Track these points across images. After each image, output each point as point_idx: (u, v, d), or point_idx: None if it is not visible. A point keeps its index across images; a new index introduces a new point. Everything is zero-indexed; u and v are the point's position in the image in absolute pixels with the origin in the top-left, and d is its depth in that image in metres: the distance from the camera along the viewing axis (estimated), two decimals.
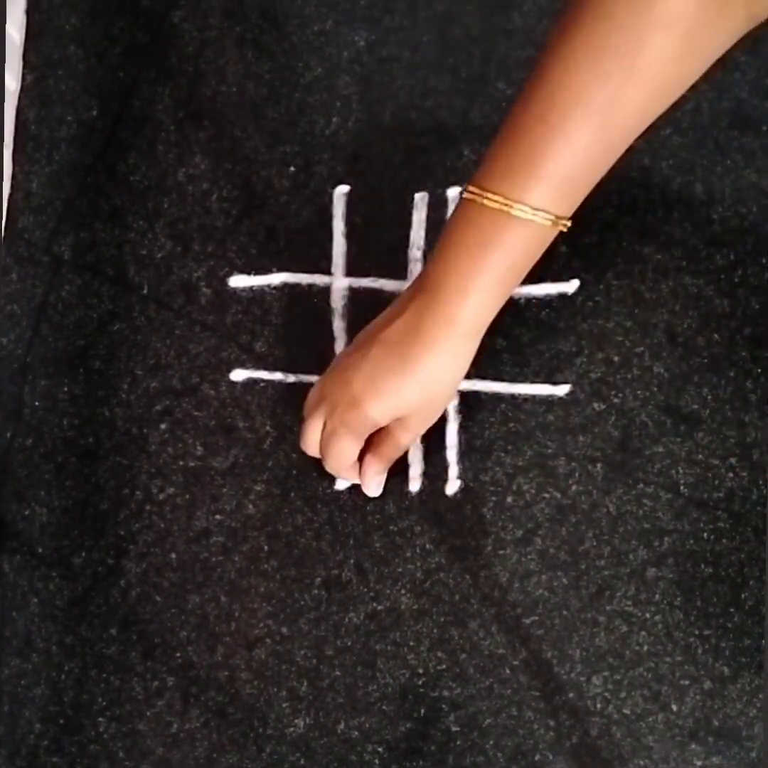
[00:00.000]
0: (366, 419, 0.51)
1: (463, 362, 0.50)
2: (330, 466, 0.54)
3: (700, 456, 0.57)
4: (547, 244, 0.47)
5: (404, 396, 0.50)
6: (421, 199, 0.60)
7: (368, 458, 0.54)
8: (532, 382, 0.59)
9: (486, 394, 0.59)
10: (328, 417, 0.52)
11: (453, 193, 0.60)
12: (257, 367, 0.60)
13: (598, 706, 0.56)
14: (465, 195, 0.47)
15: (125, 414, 0.60)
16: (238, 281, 0.60)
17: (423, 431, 0.54)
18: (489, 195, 0.45)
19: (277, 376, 0.59)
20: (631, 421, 0.58)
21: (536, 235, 0.46)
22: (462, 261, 0.47)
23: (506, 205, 0.45)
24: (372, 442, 0.54)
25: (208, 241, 0.61)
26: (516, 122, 0.45)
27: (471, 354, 0.50)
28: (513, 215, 0.45)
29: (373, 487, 0.56)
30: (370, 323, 0.52)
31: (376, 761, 0.56)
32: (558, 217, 0.46)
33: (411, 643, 0.57)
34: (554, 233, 0.47)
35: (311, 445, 0.54)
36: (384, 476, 0.56)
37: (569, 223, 0.46)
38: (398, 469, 0.58)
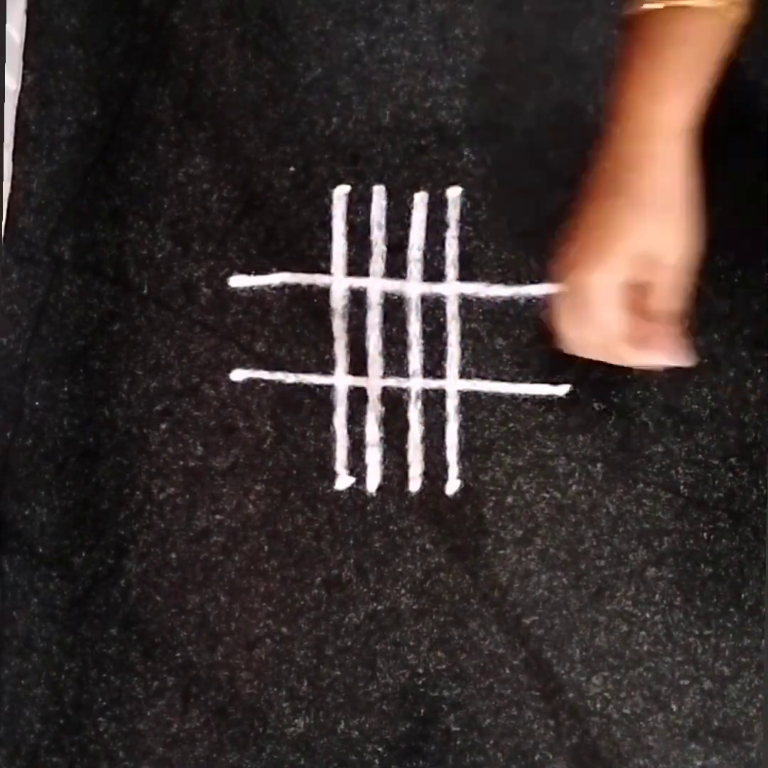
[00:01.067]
0: (618, 277, 0.45)
1: (678, 167, 0.46)
2: (605, 342, 0.48)
3: (700, 456, 0.57)
4: (724, 34, 0.45)
5: (647, 231, 0.45)
6: (421, 199, 0.60)
7: (646, 325, 0.47)
8: (532, 382, 0.59)
9: (486, 394, 0.59)
10: (572, 290, 0.47)
11: (453, 193, 0.60)
12: (257, 367, 0.60)
13: (598, 706, 0.56)
14: (646, 5, 0.45)
15: (125, 414, 0.60)
16: (238, 281, 0.60)
17: (683, 267, 0.47)
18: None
19: (277, 376, 0.59)
20: (631, 421, 0.58)
21: (715, 23, 0.45)
22: (643, 68, 0.46)
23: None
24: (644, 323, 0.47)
25: (208, 241, 0.61)
26: None
27: (681, 158, 0.46)
28: (689, 6, 0.44)
29: (669, 350, 0.47)
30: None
31: (376, 761, 0.56)
32: (731, 3, 0.44)
33: (411, 643, 0.57)
34: (732, 18, 0.45)
35: (578, 341, 0.49)
36: (675, 339, 0.47)
37: (745, 9, 0.45)
38: (398, 469, 0.58)
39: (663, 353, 0.47)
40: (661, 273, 0.46)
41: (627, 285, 0.46)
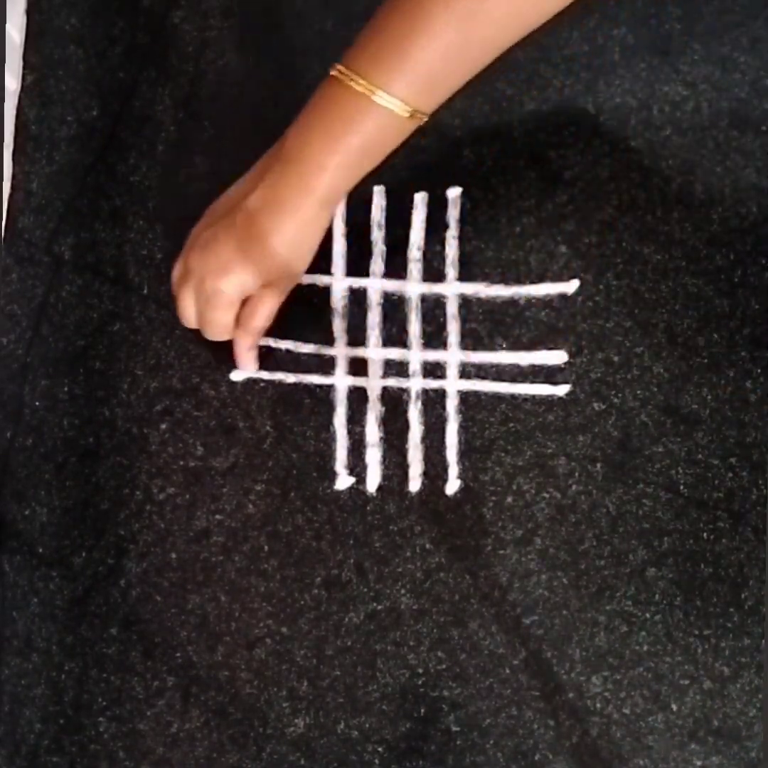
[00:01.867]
0: (237, 284, 0.53)
1: (319, 230, 0.53)
2: (210, 335, 0.56)
3: (700, 456, 0.57)
4: (405, 136, 0.51)
5: (270, 262, 0.52)
6: (421, 199, 0.60)
7: (237, 334, 0.56)
8: (532, 382, 0.59)
9: (486, 394, 0.59)
10: (197, 289, 0.54)
11: (453, 193, 0.60)
12: (257, 367, 0.60)
13: (598, 706, 0.56)
14: (333, 72, 0.50)
15: (125, 414, 0.60)
16: None
17: (280, 298, 0.55)
18: (355, 78, 0.48)
19: (277, 376, 0.59)
20: (631, 421, 0.58)
21: (394, 124, 0.50)
22: (322, 138, 0.50)
23: (370, 90, 0.48)
24: (238, 320, 0.55)
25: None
26: (387, 13, 0.49)
27: (326, 222, 0.53)
28: (374, 101, 0.48)
29: (247, 363, 0.58)
30: (224, 194, 0.55)
31: (376, 761, 0.56)
32: (416, 111, 0.49)
33: (411, 643, 0.57)
34: (412, 126, 0.50)
35: (188, 317, 0.56)
36: (256, 351, 0.58)
37: (426, 119, 0.50)
38: (398, 469, 0.58)
39: (243, 362, 0.58)
40: (266, 298, 0.54)
41: (244, 295, 0.54)
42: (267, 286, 0.54)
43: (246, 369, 0.58)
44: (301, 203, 0.51)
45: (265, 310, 0.55)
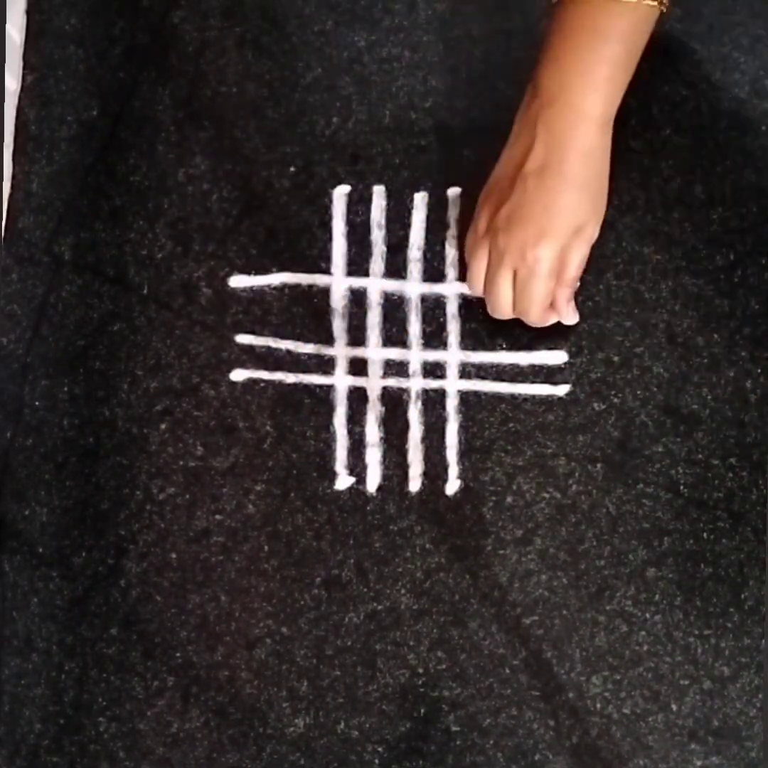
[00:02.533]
0: (555, 247, 0.52)
1: (605, 153, 0.52)
2: (529, 310, 0.54)
3: (700, 456, 0.57)
4: (652, 27, 0.50)
5: (581, 209, 0.52)
6: (421, 199, 0.60)
7: (557, 290, 0.54)
8: (532, 382, 0.59)
9: (486, 394, 0.59)
10: (518, 265, 0.53)
11: (453, 193, 0.60)
12: (257, 367, 0.60)
13: (598, 706, 0.56)
14: None
15: (125, 414, 0.60)
16: (238, 281, 0.60)
17: (590, 243, 0.54)
18: None
19: (277, 376, 0.59)
20: (631, 421, 0.58)
21: (644, 16, 0.49)
22: (580, 57, 0.49)
23: None
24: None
25: (208, 241, 0.61)
26: None
27: (609, 143, 0.52)
28: (622, 0, 0.48)
29: (570, 314, 0.56)
30: (497, 169, 0.54)
31: (376, 761, 0.56)
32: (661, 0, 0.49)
33: (411, 643, 0.57)
34: (656, 14, 0.50)
35: (504, 304, 0.55)
36: (573, 302, 0.56)
37: (668, 6, 0.50)
38: (398, 469, 0.58)
39: (565, 315, 0.56)
40: (580, 244, 0.53)
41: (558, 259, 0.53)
42: (580, 238, 0.53)
43: (569, 320, 0.56)
44: (580, 136, 0.50)
45: (578, 258, 0.53)
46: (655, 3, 0.49)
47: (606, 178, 0.53)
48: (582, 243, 0.53)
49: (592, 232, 0.53)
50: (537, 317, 0.55)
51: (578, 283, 0.56)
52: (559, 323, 0.58)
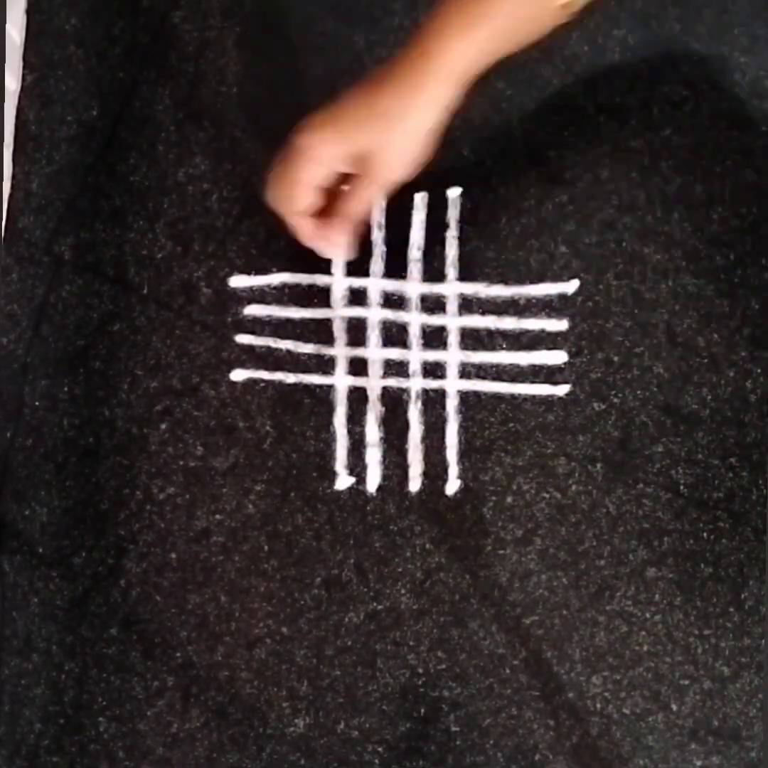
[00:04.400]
0: (321, 146, 0.49)
1: (434, 106, 0.49)
2: (287, 203, 0.52)
3: (700, 456, 0.57)
4: (544, 29, 0.50)
5: (363, 127, 0.49)
6: (421, 199, 0.60)
7: (332, 214, 0.53)
8: (532, 382, 0.59)
9: (486, 394, 0.59)
10: (291, 150, 0.51)
11: (453, 193, 0.60)
12: (257, 367, 0.60)
13: (598, 706, 0.56)
14: None
15: (125, 414, 0.60)
16: (238, 281, 0.60)
17: (389, 180, 0.51)
18: None
19: (277, 376, 0.59)
20: (631, 421, 0.58)
21: (540, 10, 0.48)
22: (456, 8, 0.48)
23: None
24: (337, 204, 0.53)
25: (208, 241, 0.61)
26: None
27: (445, 101, 0.50)
28: None
29: (332, 246, 0.54)
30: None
31: (376, 761, 0.56)
32: (567, 3, 0.48)
33: (411, 643, 0.57)
34: (556, 19, 0.49)
35: (271, 191, 0.53)
36: (348, 240, 0.54)
37: (573, 16, 0.50)
38: (398, 469, 0.58)
39: (331, 245, 0.54)
40: (370, 179, 0.50)
41: (337, 170, 0.51)
42: (365, 173, 0.50)
43: (332, 250, 0.55)
44: (414, 70, 0.48)
45: (361, 194, 0.51)
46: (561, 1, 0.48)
47: (420, 128, 0.50)
48: (367, 184, 0.50)
49: (379, 173, 0.50)
50: (285, 209, 0.53)
51: (357, 224, 0.54)
52: (558, 324, 0.58)
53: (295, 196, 0.52)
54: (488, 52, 0.50)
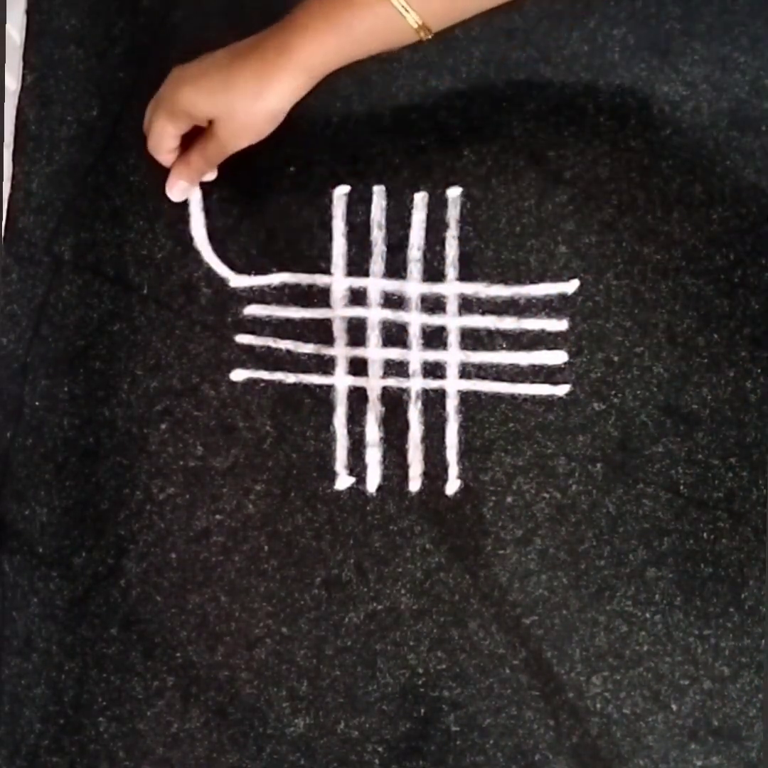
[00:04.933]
0: (178, 101, 0.54)
1: (282, 96, 0.53)
2: (151, 144, 0.57)
3: (700, 456, 0.57)
4: (400, 43, 0.53)
5: (216, 96, 0.53)
6: (421, 199, 0.60)
7: (177, 161, 0.58)
8: (532, 382, 0.59)
9: (486, 394, 0.59)
10: (154, 98, 0.56)
11: (453, 193, 0.60)
12: (257, 367, 0.60)
13: (598, 706, 0.56)
14: None
15: (125, 414, 0.60)
16: (238, 281, 0.60)
17: (227, 147, 0.56)
18: None
19: (277, 376, 0.59)
20: (631, 421, 0.58)
21: (397, 27, 0.52)
22: (320, 8, 0.52)
23: None
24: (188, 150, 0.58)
25: (208, 241, 0.61)
26: None
27: (294, 92, 0.53)
28: (391, 2, 0.51)
29: (175, 191, 0.59)
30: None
31: (376, 761, 0.56)
32: (423, 26, 0.52)
33: (411, 643, 0.57)
34: (412, 38, 0.53)
35: (144, 127, 0.58)
36: (190, 189, 0.60)
37: (429, 36, 0.53)
38: (398, 469, 0.58)
39: (168, 186, 0.59)
40: (213, 139, 0.55)
41: (190, 123, 0.56)
42: (212, 132, 0.55)
43: (175, 195, 0.59)
44: (272, 57, 0.52)
45: (206, 151, 0.56)
46: (417, 25, 0.52)
47: (268, 111, 0.54)
48: (212, 140, 0.55)
49: (222, 136, 0.55)
50: (150, 147, 0.58)
51: (201, 174, 0.58)
52: (558, 324, 0.58)
53: (154, 139, 0.57)
54: (342, 56, 0.53)
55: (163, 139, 0.56)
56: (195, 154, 0.57)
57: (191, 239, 0.61)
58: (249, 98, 0.53)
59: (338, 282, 0.60)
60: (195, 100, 0.54)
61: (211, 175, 0.60)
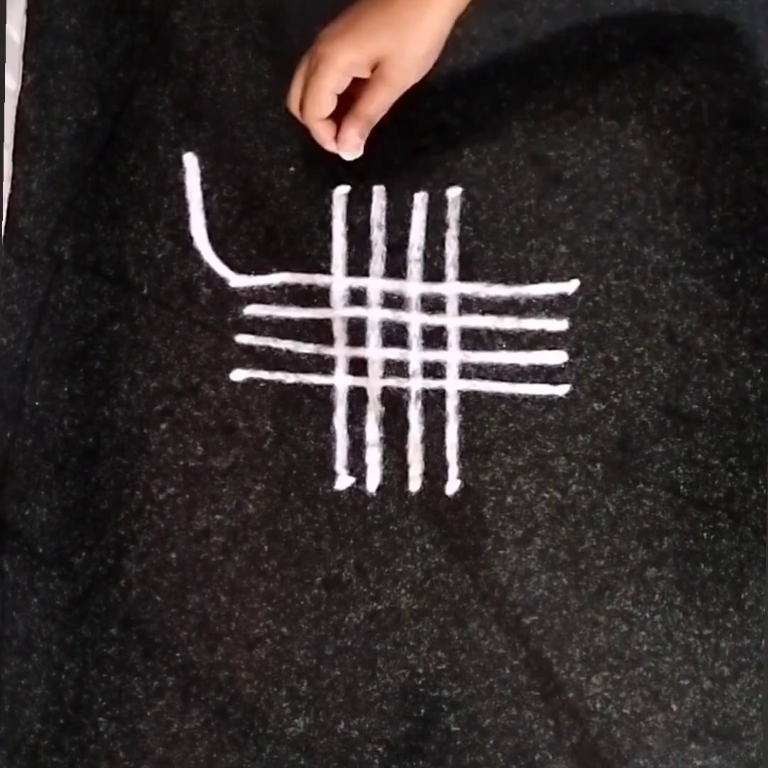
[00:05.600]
0: (345, 50, 0.53)
1: (443, 13, 0.53)
2: (311, 109, 0.55)
3: (700, 456, 0.57)
4: None
5: (379, 34, 0.52)
6: (421, 199, 0.60)
7: (348, 116, 0.55)
8: (532, 382, 0.59)
9: (486, 394, 0.59)
10: (310, 59, 0.54)
11: (453, 193, 0.60)
12: (257, 367, 0.60)
13: (598, 706, 0.56)
14: None
15: (125, 414, 0.60)
16: (238, 281, 0.60)
17: (396, 87, 0.54)
18: None
19: (277, 376, 0.59)
20: (631, 421, 0.58)
21: None
22: None
23: None
24: (353, 105, 0.55)
25: (208, 241, 0.61)
26: None
27: (451, 12, 0.53)
28: None
29: (349, 145, 0.56)
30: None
31: (376, 761, 0.56)
32: None
33: (411, 643, 0.57)
34: None
35: (295, 95, 0.56)
36: (362, 141, 0.56)
37: None
38: (398, 469, 0.58)
39: (348, 146, 0.56)
40: (384, 82, 0.54)
41: (355, 75, 0.54)
42: (379, 77, 0.54)
43: (350, 150, 0.56)
44: (427, 19, 0.52)
45: (376, 97, 0.54)
46: None
47: (430, 38, 0.53)
48: (380, 86, 0.54)
49: (392, 77, 0.54)
50: (309, 114, 0.55)
51: (371, 125, 0.56)
52: (558, 324, 0.58)
53: (318, 102, 0.54)
54: None
55: (327, 100, 0.54)
56: (363, 105, 0.55)
57: (191, 239, 0.61)
58: (412, 26, 0.52)
59: (338, 282, 0.60)
60: (360, 46, 0.52)
61: (361, 140, 0.57)
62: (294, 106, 0.56)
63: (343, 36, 0.53)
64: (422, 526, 0.58)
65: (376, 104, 0.55)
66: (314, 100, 0.54)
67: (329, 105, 0.54)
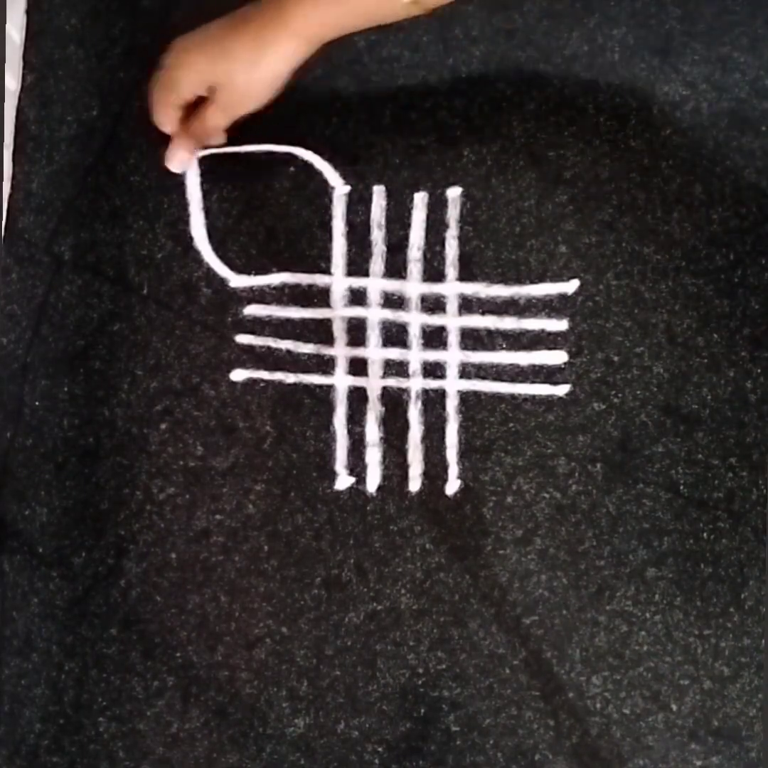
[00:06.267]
0: (182, 73, 0.55)
1: (280, 61, 0.54)
2: (155, 116, 0.57)
3: (700, 456, 0.57)
4: (395, 16, 0.54)
5: (217, 63, 0.54)
6: (421, 199, 0.60)
7: (179, 133, 0.58)
8: (532, 382, 0.59)
9: (486, 394, 0.59)
10: (158, 73, 0.56)
11: (453, 193, 0.60)
12: (257, 367, 0.60)
13: (598, 706, 0.56)
14: None
15: (125, 414, 0.60)
16: (238, 281, 0.60)
17: (227, 114, 0.56)
18: None
19: (277, 376, 0.59)
20: (631, 421, 0.58)
21: (392, 2, 0.52)
22: None
23: None
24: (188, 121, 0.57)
25: (208, 241, 0.61)
26: None
27: (292, 57, 0.54)
28: None
29: (173, 160, 0.59)
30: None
31: (376, 761, 0.56)
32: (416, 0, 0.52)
33: (411, 643, 0.57)
34: (406, 12, 0.53)
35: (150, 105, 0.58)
36: (190, 158, 0.59)
37: (423, 12, 0.53)
38: (398, 469, 0.58)
39: (170, 158, 0.59)
40: (217, 107, 0.55)
41: (194, 93, 0.56)
42: (214, 100, 0.55)
43: (172, 164, 0.59)
44: (270, 23, 0.53)
45: (208, 119, 0.56)
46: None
47: (268, 76, 0.54)
48: (214, 108, 0.55)
49: (222, 105, 0.55)
50: (158, 123, 0.57)
51: (201, 144, 0.58)
52: (558, 324, 0.58)
53: (160, 116, 0.57)
54: (339, 25, 0.54)
55: (168, 110, 0.57)
56: (195, 122, 0.57)
57: (191, 239, 0.61)
58: (247, 64, 0.53)
59: (338, 282, 0.60)
60: (195, 68, 0.54)
61: (219, 139, 0.59)
62: (151, 112, 0.58)
63: (187, 53, 0.55)
64: (422, 526, 0.58)
65: (208, 126, 0.57)
66: (155, 108, 0.57)
67: (169, 114, 0.57)
